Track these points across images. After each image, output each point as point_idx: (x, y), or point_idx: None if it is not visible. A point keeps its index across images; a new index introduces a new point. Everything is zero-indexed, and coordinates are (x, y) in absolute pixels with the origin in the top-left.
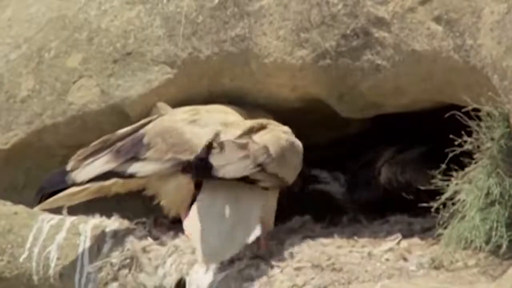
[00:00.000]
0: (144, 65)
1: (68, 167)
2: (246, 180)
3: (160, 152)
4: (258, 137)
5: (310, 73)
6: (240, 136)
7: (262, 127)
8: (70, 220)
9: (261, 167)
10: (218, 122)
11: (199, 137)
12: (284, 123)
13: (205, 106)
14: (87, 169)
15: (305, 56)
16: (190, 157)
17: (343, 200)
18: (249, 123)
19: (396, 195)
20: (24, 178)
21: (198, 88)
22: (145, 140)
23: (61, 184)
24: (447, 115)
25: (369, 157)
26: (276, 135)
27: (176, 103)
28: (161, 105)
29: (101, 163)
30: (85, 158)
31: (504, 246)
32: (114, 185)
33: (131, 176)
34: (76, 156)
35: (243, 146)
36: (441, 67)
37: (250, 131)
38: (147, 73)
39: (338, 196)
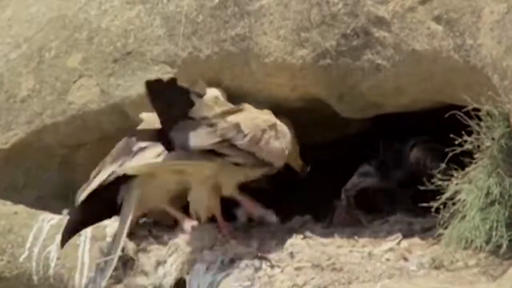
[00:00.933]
0: (144, 64)
1: (77, 203)
2: (213, 153)
3: None
4: (232, 117)
5: (310, 73)
6: (215, 116)
7: (239, 110)
8: None
9: (229, 142)
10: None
11: None
12: None
13: None
14: (91, 185)
15: (305, 56)
16: None
17: (379, 189)
18: (226, 107)
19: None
20: (24, 178)
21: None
22: None
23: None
24: (447, 115)
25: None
26: (251, 116)
27: None
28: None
29: (102, 176)
30: (88, 184)
31: (504, 246)
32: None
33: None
34: (81, 190)
35: (212, 124)
36: (441, 67)
37: (226, 113)
38: (147, 73)
39: (376, 189)
